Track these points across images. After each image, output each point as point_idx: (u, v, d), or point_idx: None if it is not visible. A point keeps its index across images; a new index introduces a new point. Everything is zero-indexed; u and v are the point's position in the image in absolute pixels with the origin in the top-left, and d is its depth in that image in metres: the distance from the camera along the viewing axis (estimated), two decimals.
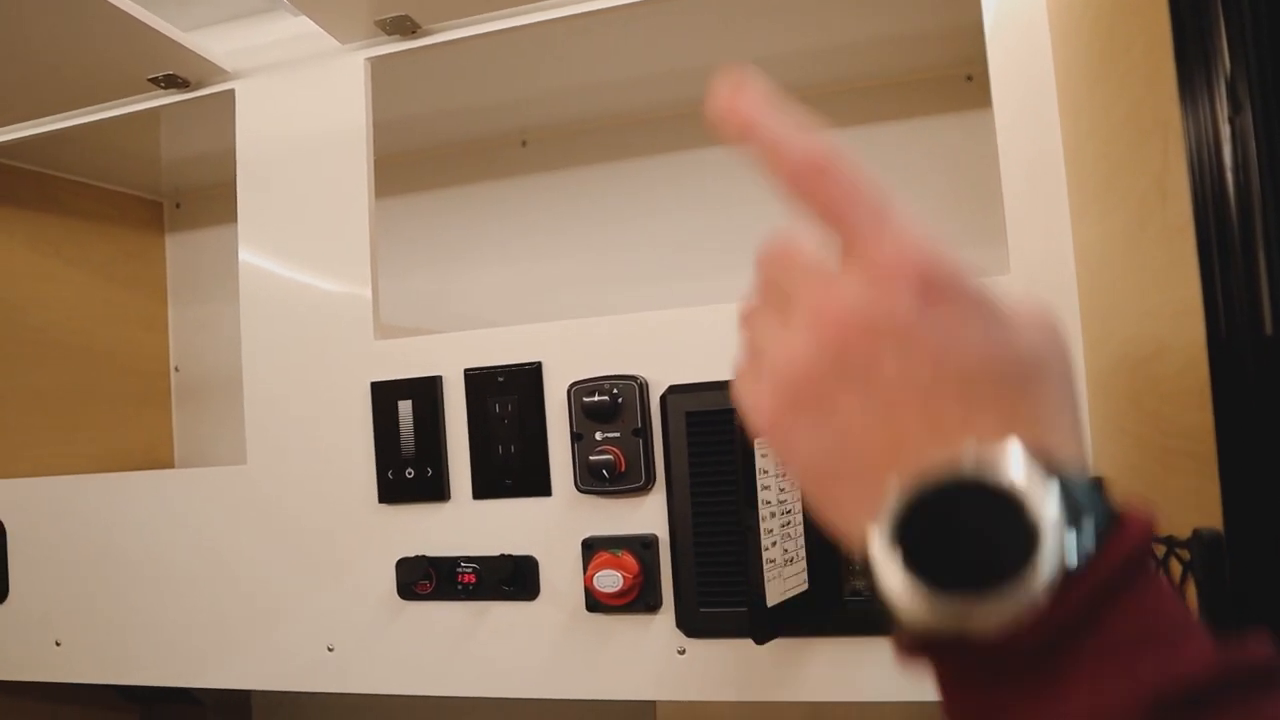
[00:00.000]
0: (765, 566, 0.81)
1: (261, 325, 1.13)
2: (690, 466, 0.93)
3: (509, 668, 1.01)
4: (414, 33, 1.09)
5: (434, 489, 1.04)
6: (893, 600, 0.32)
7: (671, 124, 1.54)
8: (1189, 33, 0.49)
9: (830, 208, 0.37)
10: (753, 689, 0.94)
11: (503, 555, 1.00)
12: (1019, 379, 0.34)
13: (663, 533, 0.96)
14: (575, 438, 0.98)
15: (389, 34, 1.09)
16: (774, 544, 0.82)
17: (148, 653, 1.16)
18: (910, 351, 0.34)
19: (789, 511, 0.84)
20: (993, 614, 0.31)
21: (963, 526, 0.32)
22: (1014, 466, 0.31)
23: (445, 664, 1.04)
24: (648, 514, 0.97)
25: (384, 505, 1.06)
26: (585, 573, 0.96)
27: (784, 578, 0.83)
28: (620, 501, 0.98)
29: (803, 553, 0.86)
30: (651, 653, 0.97)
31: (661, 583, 0.96)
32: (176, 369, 1.82)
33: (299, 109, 1.14)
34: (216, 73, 1.18)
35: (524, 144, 1.62)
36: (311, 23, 1.08)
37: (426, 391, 1.04)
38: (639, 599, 0.96)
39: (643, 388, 0.96)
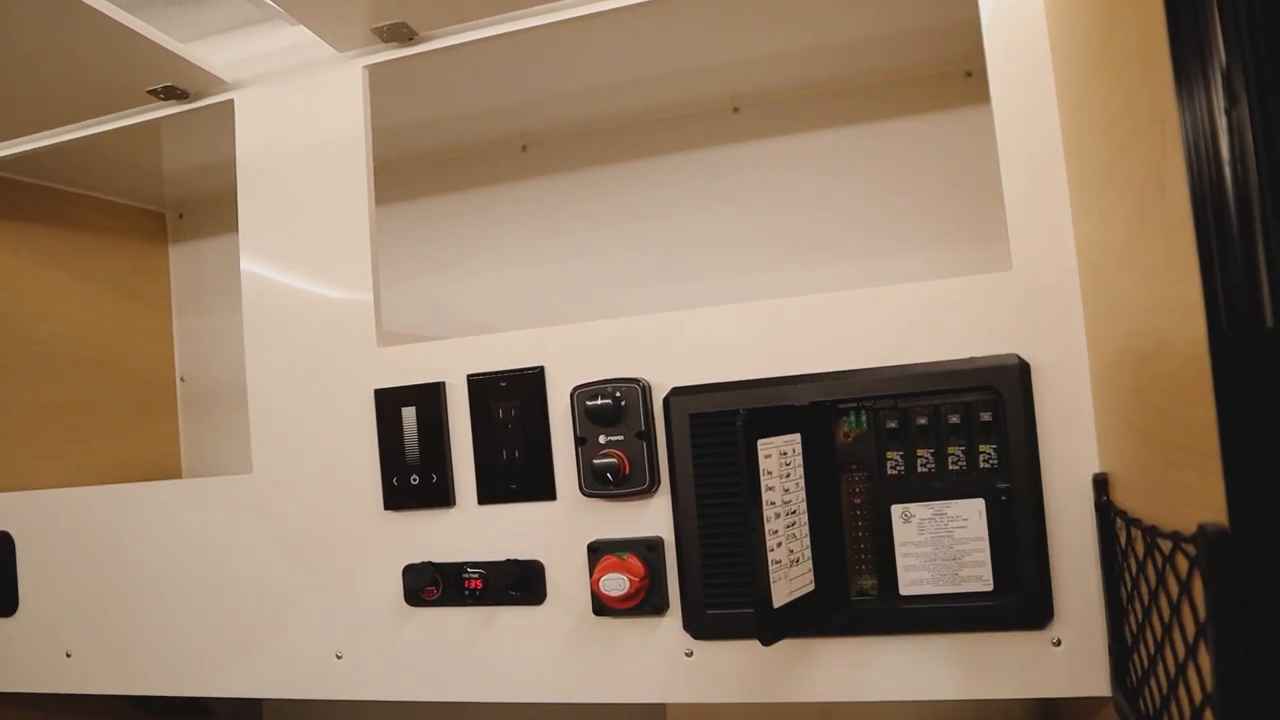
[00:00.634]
0: (771, 567, 0.80)
1: (265, 334, 1.13)
2: (694, 468, 0.93)
3: (517, 672, 1.01)
4: (411, 40, 1.09)
5: (439, 495, 1.04)
6: None
7: (671, 126, 1.54)
8: (1184, 25, 0.48)
9: None
10: (761, 690, 0.94)
11: (509, 560, 1.00)
12: None
13: (668, 535, 0.95)
14: (579, 441, 0.98)
15: (386, 41, 1.09)
16: (779, 545, 0.82)
17: (158, 663, 1.17)
18: None
19: (794, 512, 0.84)
20: None
21: None
22: None
23: (453, 669, 1.04)
24: (653, 516, 0.96)
25: (389, 512, 1.06)
26: (591, 576, 0.96)
27: (790, 578, 0.83)
28: (625, 504, 0.97)
29: (809, 553, 0.86)
30: (659, 655, 0.97)
31: (668, 585, 0.96)
32: (182, 379, 1.83)
33: (298, 118, 1.14)
34: (215, 83, 1.18)
35: (524, 149, 1.62)
36: (309, 32, 1.08)
37: (430, 398, 1.04)
38: (645, 602, 0.95)
39: (645, 390, 0.96)
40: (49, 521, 1.23)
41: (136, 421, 1.72)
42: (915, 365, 0.89)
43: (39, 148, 1.29)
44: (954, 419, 0.87)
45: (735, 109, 1.51)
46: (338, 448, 1.09)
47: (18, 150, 1.30)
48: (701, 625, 0.94)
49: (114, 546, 1.19)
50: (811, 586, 0.86)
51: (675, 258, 1.53)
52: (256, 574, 1.12)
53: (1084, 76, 0.76)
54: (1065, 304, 0.86)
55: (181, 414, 1.82)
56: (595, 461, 0.95)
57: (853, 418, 0.91)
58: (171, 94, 1.18)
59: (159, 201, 1.83)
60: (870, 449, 0.90)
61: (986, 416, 0.86)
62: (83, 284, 1.64)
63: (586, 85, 1.42)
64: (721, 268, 1.50)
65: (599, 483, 0.96)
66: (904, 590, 0.88)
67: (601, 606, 0.97)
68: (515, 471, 1.01)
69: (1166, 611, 0.61)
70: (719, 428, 0.92)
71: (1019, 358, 0.85)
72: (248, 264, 1.15)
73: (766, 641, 0.81)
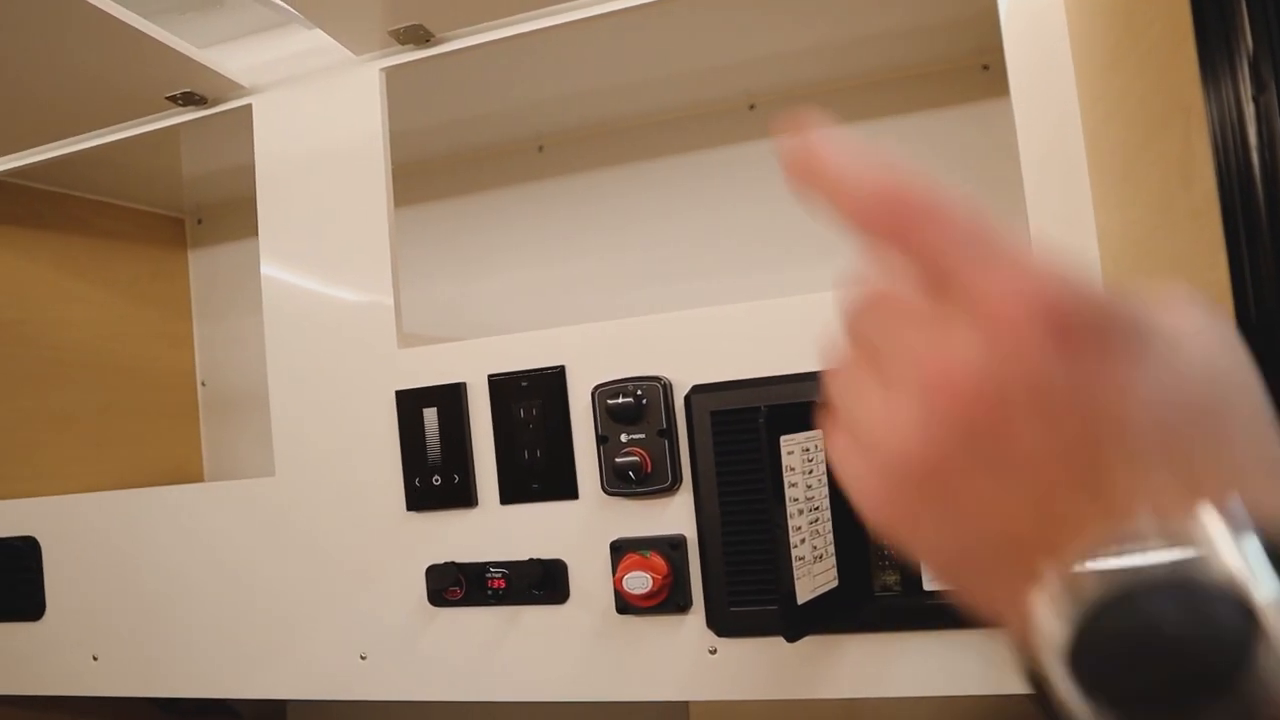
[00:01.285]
0: (795, 564, 0.80)
1: (285, 338, 1.14)
2: (716, 466, 0.93)
3: (541, 672, 1.02)
4: (428, 42, 1.10)
5: (461, 495, 1.04)
6: None
7: (687, 124, 1.54)
8: (1210, 12, 0.48)
9: (923, 246, 0.30)
10: (786, 687, 0.93)
11: (531, 559, 1.01)
12: (1196, 422, 0.28)
13: (691, 533, 0.95)
14: (600, 440, 0.98)
15: (403, 44, 1.10)
16: (802, 541, 0.82)
17: (183, 665, 1.17)
18: (1054, 415, 0.27)
19: (817, 508, 0.84)
20: None
21: (1151, 627, 0.25)
22: (1210, 540, 0.25)
23: (477, 669, 1.04)
24: (675, 514, 0.96)
25: (412, 513, 1.06)
26: (614, 575, 0.96)
27: (813, 575, 0.83)
28: (647, 503, 0.97)
29: (832, 549, 0.86)
30: (683, 653, 0.96)
31: (691, 583, 0.96)
32: (203, 384, 1.84)
33: (316, 122, 1.15)
34: (233, 89, 1.19)
35: (540, 149, 1.62)
36: (326, 36, 1.09)
37: (451, 398, 1.04)
38: (669, 600, 0.95)
39: (666, 388, 0.96)
40: (74, 526, 1.24)
41: (158, 426, 1.73)
42: None
43: (59, 156, 1.30)
44: None
45: (751, 106, 1.51)
46: (359, 449, 1.09)
47: (38, 159, 1.31)
48: (725, 623, 0.94)
49: (138, 550, 1.20)
50: (835, 582, 0.85)
51: (694, 255, 1.53)
52: (280, 576, 1.12)
53: (1104, 65, 0.76)
54: None
55: (203, 418, 1.83)
56: (617, 460, 0.95)
57: None
58: (190, 100, 1.19)
59: (178, 207, 1.84)
60: None
61: None
62: (103, 290, 1.65)
63: (602, 85, 1.42)
64: (739, 264, 1.50)
65: (621, 481, 0.96)
66: (927, 585, 0.88)
67: (624, 605, 0.97)
68: (537, 471, 1.01)
69: None
70: (741, 425, 0.92)
71: None
72: (268, 268, 1.16)
73: (791, 638, 0.81)
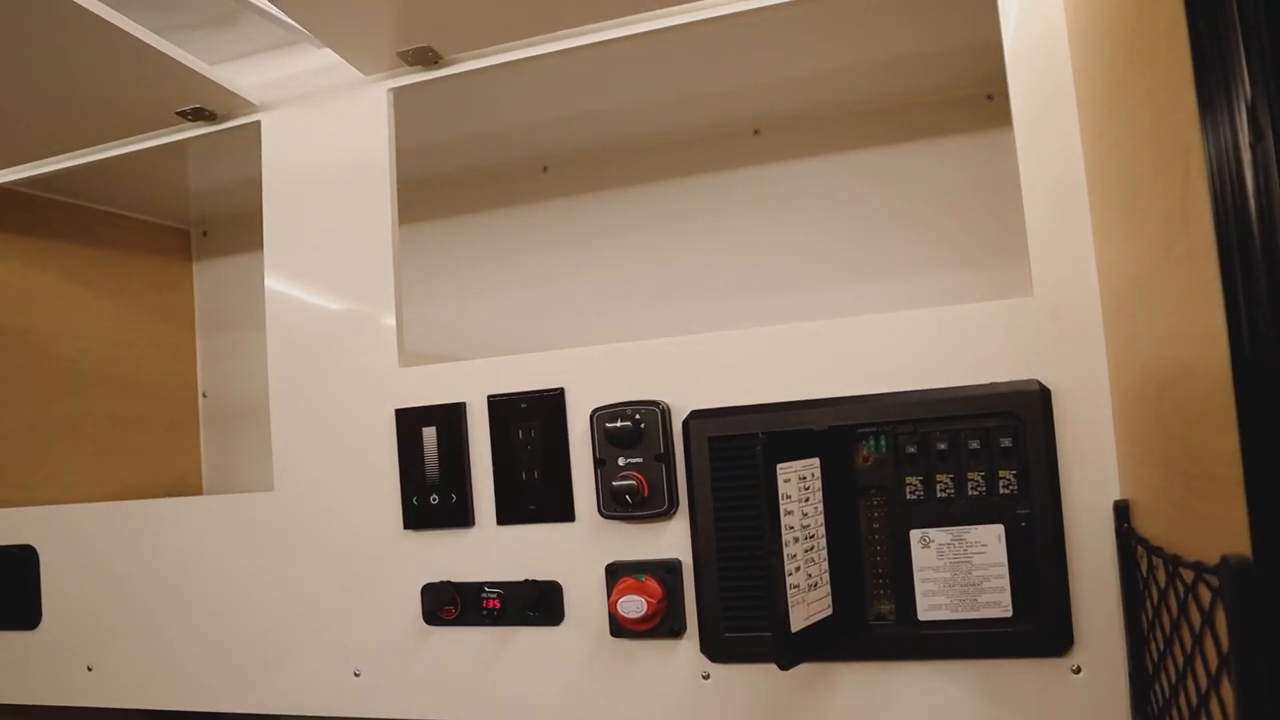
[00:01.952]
0: (789, 592, 0.80)
1: (288, 352, 1.15)
2: (713, 491, 0.93)
3: (534, 693, 1.01)
4: (436, 63, 1.11)
5: (458, 515, 1.04)
6: None
7: (692, 148, 1.55)
8: (1209, 57, 0.48)
9: None
10: (778, 714, 0.93)
11: (527, 581, 1.01)
12: None
13: (686, 558, 0.95)
14: (598, 463, 0.98)
15: (411, 65, 1.11)
16: (798, 569, 0.82)
17: (177, 677, 1.17)
18: None
19: (812, 536, 0.84)
20: None
21: None
22: None
23: (471, 689, 1.04)
24: (671, 539, 0.97)
25: (409, 531, 1.06)
26: (609, 598, 0.96)
27: (808, 603, 0.83)
28: (643, 527, 0.98)
29: (827, 577, 0.85)
30: (676, 678, 0.96)
31: (686, 608, 0.96)
32: (204, 395, 1.84)
33: (324, 139, 1.16)
34: (243, 105, 1.20)
35: (545, 169, 1.63)
36: (335, 55, 1.10)
37: (450, 418, 1.05)
38: (663, 624, 0.95)
39: (665, 413, 0.96)
40: (72, 536, 1.24)
41: (159, 437, 1.74)
42: (935, 390, 0.89)
43: (69, 167, 1.31)
44: (974, 444, 0.87)
45: (756, 131, 1.52)
46: (358, 466, 1.10)
47: (49, 169, 1.32)
48: (719, 648, 0.94)
49: (135, 561, 1.20)
50: (829, 611, 0.85)
51: (696, 279, 1.53)
52: (276, 591, 1.12)
53: (1107, 102, 0.76)
54: (1087, 330, 0.85)
55: (203, 430, 1.84)
56: (614, 483, 0.96)
57: (872, 442, 0.91)
58: (200, 115, 1.20)
59: (184, 219, 1.85)
60: (889, 474, 0.90)
61: (1007, 442, 0.86)
62: (108, 300, 1.66)
63: (607, 108, 1.43)
64: (741, 289, 1.50)
65: (618, 504, 0.96)
66: (922, 615, 0.88)
67: (619, 628, 0.97)
68: (534, 492, 1.02)
69: (1189, 641, 0.61)
70: (738, 451, 0.93)
71: (1040, 383, 0.85)
72: (272, 282, 1.16)
73: (784, 666, 0.81)
